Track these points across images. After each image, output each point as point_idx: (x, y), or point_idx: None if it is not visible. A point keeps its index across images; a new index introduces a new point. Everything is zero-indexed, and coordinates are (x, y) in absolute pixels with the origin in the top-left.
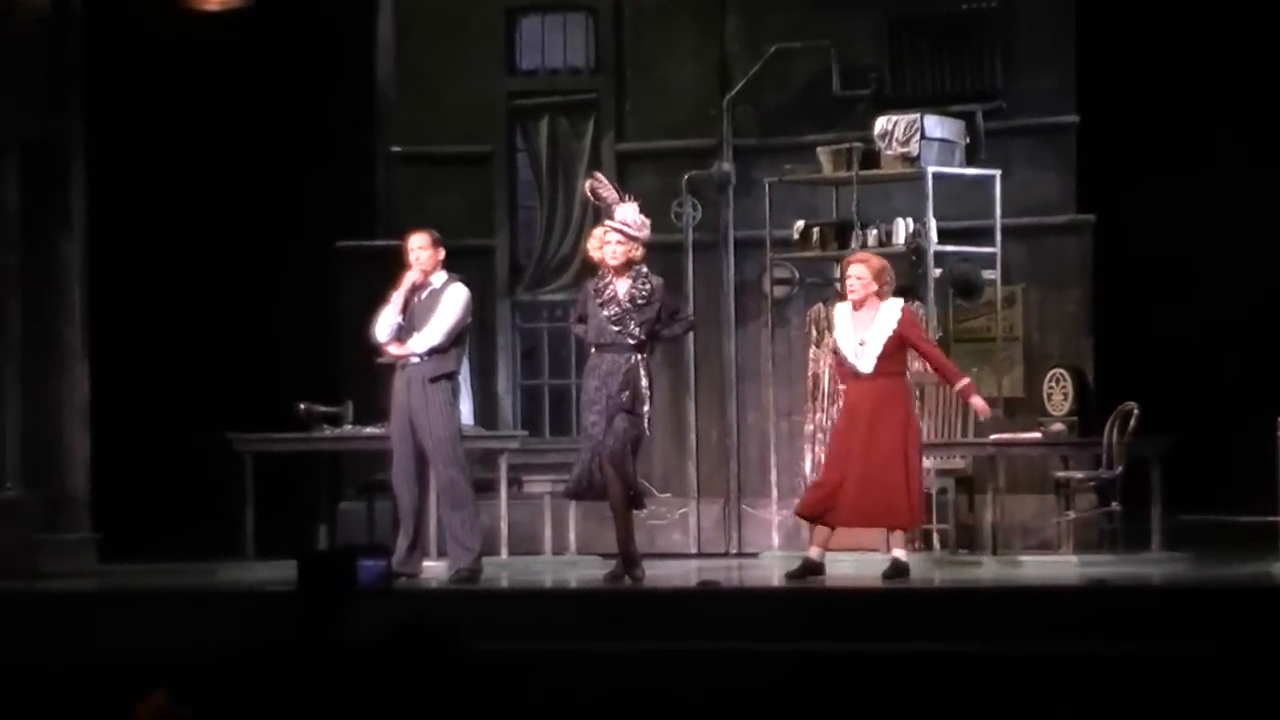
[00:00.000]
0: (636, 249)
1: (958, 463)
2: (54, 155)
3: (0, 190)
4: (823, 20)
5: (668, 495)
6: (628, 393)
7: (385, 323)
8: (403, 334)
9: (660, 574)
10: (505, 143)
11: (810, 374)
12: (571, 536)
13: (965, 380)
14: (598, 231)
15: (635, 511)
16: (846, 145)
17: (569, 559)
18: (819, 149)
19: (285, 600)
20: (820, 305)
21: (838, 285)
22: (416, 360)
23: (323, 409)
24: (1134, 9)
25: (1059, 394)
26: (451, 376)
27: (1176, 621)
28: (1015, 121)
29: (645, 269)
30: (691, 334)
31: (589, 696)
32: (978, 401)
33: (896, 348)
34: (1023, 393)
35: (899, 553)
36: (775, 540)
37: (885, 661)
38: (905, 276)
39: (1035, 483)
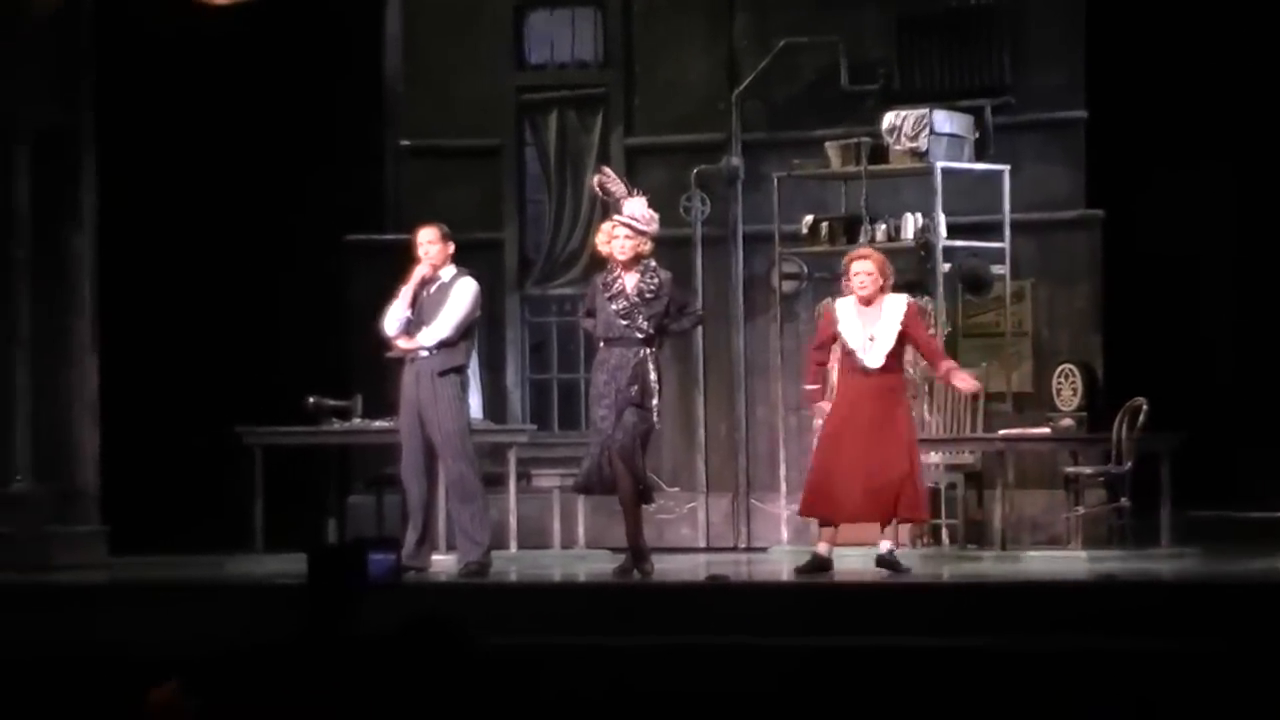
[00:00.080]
0: (645, 243)
1: (966, 458)
2: (65, 149)
3: (11, 184)
4: (831, 15)
5: (676, 489)
6: (636, 387)
7: (394, 316)
8: (412, 328)
9: (669, 568)
10: (514, 137)
11: None
12: (580, 530)
13: (949, 362)
14: (606, 226)
15: (644, 506)
16: (855, 140)
17: (578, 553)
18: (828, 144)
19: (295, 594)
20: (829, 300)
21: (844, 282)
22: (425, 354)
23: (332, 403)
24: (1143, 4)
25: (1068, 389)
26: (460, 370)
27: (1186, 617)
28: (1024, 116)
29: (654, 263)
30: (700, 328)
31: (598, 690)
32: (962, 380)
33: (902, 342)
34: (1032, 388)
35: (887, 545)
36: (784, 535)
37: (894, 657)
38: (914, 272)
39: (1044, 478)
